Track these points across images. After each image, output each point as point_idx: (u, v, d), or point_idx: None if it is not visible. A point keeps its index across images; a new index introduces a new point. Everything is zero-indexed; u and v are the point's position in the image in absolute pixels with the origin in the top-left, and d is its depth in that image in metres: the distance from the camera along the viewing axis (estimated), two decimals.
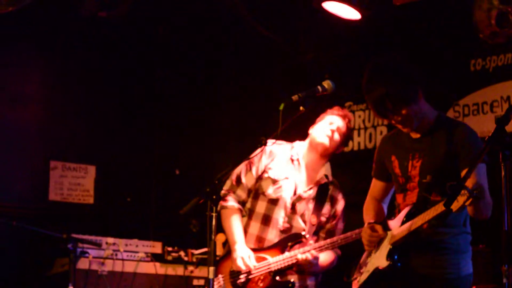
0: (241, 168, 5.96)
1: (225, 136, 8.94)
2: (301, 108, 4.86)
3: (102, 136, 8.90)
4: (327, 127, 5.93)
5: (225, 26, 8.88)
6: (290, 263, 5.81)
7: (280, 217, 5.90)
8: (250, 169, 5.96)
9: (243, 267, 5.79)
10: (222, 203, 5.92)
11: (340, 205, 6.03)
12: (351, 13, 6.96)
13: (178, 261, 7.96)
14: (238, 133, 8.68)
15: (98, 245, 7.48)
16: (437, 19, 7.49)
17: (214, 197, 4.58)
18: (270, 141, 4.91)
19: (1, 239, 7.89)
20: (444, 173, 4.61)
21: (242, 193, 5.99)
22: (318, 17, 7.58)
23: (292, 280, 5.84)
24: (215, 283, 5.81)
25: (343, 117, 6.01)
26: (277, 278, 5.82)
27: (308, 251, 5.78)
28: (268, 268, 5.82)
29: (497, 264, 6.06)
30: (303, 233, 5.86)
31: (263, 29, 8.53)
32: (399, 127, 4.79)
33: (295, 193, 5.93)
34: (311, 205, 5.94)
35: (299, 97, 4.80)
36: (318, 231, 5.97)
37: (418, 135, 4.79)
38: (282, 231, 5.90)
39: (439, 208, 4.36)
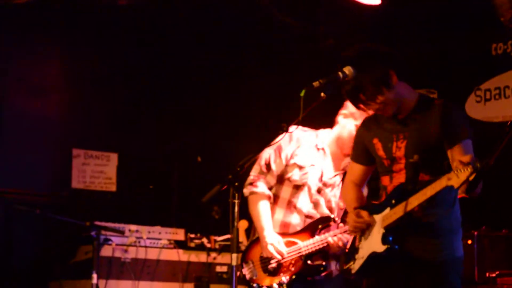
0: (270, 153, 5.93)
1: (247, 122, 8.95)
2: (322, 94, 4.83)
3: (124, 124, 8.93)
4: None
5: (245, 13, 8.87)
6: (321, 246, 5.80)
7: (305, 202, 5.90)
8: (280, 156, 5.94)
9: (274, 253, 5.80)
10: (251, 188, 5.89)
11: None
12: None
13: (200, 247, 7.99)
14: (259, 120, 8.67)
15: (121, 233, 7.52)
16: (458, 3, 7.46)
17: (236, 184, 4.57)
18: (291, 128, 4.89)
19: (25, 227, 7.95)
20: (431, 151, 4.55)
21: (271, 179, 5.97)
22: (338, 2, 7.57)
23: (324, 263, 5.85)
24: (245, 268, 5.84)
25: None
26: (309, 262, 5.82)
27: (339, 234, 5.78)
28: (299, 252, 5.82)
29: None
30: (332, 215, 5.86)
31: (284, 16, 8.52)
32: (380, 114, 4.79)
33: (321, 180, 5.93)
34: (337, 191, 5.94)
35: (320, 83, 4.77)
36: (345, 216, 5.98)
37: (400, 117, 4.77)
38: (307, 217, 5.90)
39: (438, 186, 4.34)
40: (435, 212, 4.61)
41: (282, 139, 5.47)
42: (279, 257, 5.78)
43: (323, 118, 6.14)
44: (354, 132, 5.63)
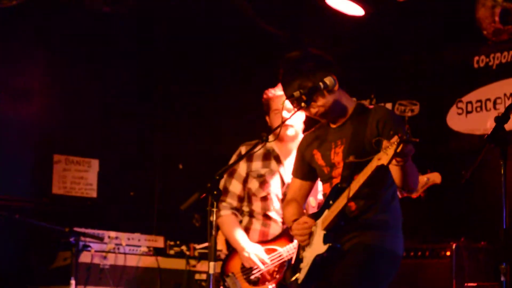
0: (225, 178, 6.00)
1: (228, 131, 8.94)
2: (302, 104, 4.87)
3: (106, 130, 8.91)
4: (279, 116, 5.85)
5: (227, 21, 8.87)
6: None
7: (276, 210, 5.93)
8: (233, 176, 6.00)
9: (258, 262, 5.79)
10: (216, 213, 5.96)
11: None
12: (354, 9, 6.96)
13: (180, 255, 7.98)
14: (241, 128, 8.67)
15: (100, 239, 7.49)
16: (441, 15, 7.49)
17: (215, 192, 4.58)
18: (271, 137, 4.91)
19: (4, 232, 7.90)
20: (367, 153, 4.58)
21: (232, 201, 6.04)
22: (322, 13, 7.57)
23: None
24: (227, 282, 5.87)
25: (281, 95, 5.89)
26: None
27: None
28: (281, 258, 5.82)
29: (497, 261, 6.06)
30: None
31: (267, 25, 8.52)
32: (319, 119, 4.83)
33: (283, 184, 5.96)
34: None
35: (300, 93, 4.80)
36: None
37: (337, 124, 4.81)
38: (284, 223, 5.92)
39: (370, 169, 4.36)
40: (372, 209, 4.64)
41: (234, 162, 5.60)
42: (262, 266, 5.78)
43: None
44: (277, 121, 5.69)
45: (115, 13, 8.15)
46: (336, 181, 4.72)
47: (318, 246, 4.70)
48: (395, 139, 4.08)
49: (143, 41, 9.10)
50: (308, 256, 4.78)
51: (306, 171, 5.01)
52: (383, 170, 4.33)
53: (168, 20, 9.04)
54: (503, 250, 3.17)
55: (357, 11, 6.96)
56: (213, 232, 4.53)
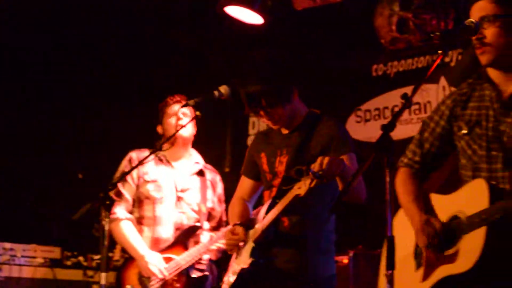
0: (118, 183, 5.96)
1: (127, 140, 8.80)
2: (197, 113, 4.86)
3: (2, 137, 8.71)
4: (174, 119, 5.88)
5: (131, 26, 8.75)
6: (199, 256, 5.81)
7: (169, 214, 5.90)
8: (126, 180, 5.94)
9: (157, 272, 5.73)
10: (111, 216, 5.88)
11: (220, 187, 6.09)
12: (253, 18, 6.95)
13: (77, 266, 7.85)
14: (138, 138, 8.57)
15: None
16: (339, 24, 7.55)
17: (107, 202, 4.54)
18: (165, 146, 4.89)
19: None
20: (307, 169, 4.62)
21: (127, 205, 5.98)
22: (223, 20, 7.55)
23: (207, 273, 5.85)
24: None
25: (179, 101, 5.94)
26: (193, 275, 5.79)
27: (216, 241, 5.79)
28: (179, 267, 5.78)
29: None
30: (198, 224, 5.87)
31: (171, 30, 8.46)
32: (269, 124, 4.83)
33: (176, 188, 5.94)
34: (197, 193, 5.96)
35: (195, 102, 4.80)
36: (210, 218, 6.02)
37: (287, 131, 4.82)
38: (176, 228, 5.89)
39: (290, 196, 4.40)
40: (304, 225, 4.65)
41: (125, 165, 5.57)
42: (161, 276, 5.73)
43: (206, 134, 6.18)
44: (171, 123, 5.68)
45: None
46: (275, 190, 4.73)
47: (245, 258, 4.72)
48: (310, 174, 4.13)
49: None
50: (236, 267, 4.80)
51: (256, 171, 4.99)
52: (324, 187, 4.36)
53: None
54: (388, 257, 3.17)
55: (256, 19, 6.95)
56: (105, 242, 4.49)
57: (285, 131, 4.83)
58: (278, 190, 4.69)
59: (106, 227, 4.51)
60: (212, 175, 6.16)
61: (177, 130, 5.09)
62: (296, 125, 4.79)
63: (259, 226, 4.67)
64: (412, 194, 3.93)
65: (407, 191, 3.96)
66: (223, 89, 4.88)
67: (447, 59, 7.02)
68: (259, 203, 5.04)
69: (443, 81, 7.01)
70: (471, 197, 3.61)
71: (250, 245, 4.72)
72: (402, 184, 4.01)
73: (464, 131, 3.83)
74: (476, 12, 3.68)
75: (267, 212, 4.65)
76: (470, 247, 3.50)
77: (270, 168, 4.83)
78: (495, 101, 3.73)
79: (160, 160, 6.00)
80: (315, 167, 4.19)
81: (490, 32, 3.63)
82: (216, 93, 4.87)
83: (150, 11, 8.43)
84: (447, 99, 3.99)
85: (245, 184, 5.10)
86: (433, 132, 3.99)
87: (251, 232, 4.76)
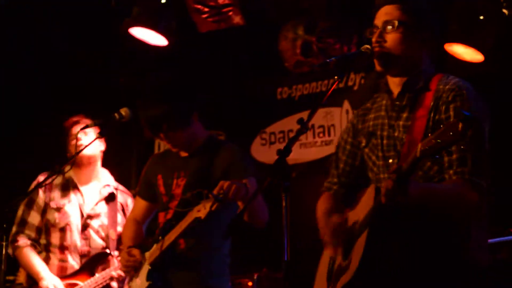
0: (23, 209, 5.87)
1: (27, 162, 8.66)
2: (98, 134, 4.83)
3: None
4: (73, 140, 5.77)
5: (36, 47, 8.59)
6: (104, 283, 5.76)
7: (76, 242, 5.83)
8: (32, 208, 5.87)
9: None
10: (13, 245, 5.86)
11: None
12: (158, 40, 6.94)
13: None
14: (39, 159, 8.43)
15: None
16: (244, 47, 7.58)
17: (4, 225, 4.49)
18: (67, 168, 4.84)
19: None
20: (204, 193, 4.64)
21: (31, 232, 5.92)
22: (128, 42, 7.49)
23: None
24: None
25: (78, 122, 5.88)
26: None
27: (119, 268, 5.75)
28: None
29: None
30: (107, 251, 5.81)
31: (76, 52, 8.36)
32: (169, 146, 4.84)
33: (82, 215, 5.88)
34: (104, 219, 5.90)
35: (95, 124, 4.77)
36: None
37: (186, 154, 4.83)
38: (82, 256, 5.83)
39: (189, 218, 4.41)
40: (199, 249, 4.65)
41: (32, 191, 5.49)
42: None
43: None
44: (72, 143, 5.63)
45: None
46: (171, 212, 4.71)
47: (142, 281, 4.69)
48: (210, 198, 4.15)
49: None
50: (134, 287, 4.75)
51: (152, 193, 4.96)
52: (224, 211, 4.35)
53: None
54: (285, 281, 3.19)
55: (160, 41, 6.93)
56: (2, 267, 4.43)
57: (183, 154, 4.83)
58: (174, 212, 4.68)
59: (4, 251, 4.44)
60: (123, 197, 6.09)
61: (77, 153, 5.03)
62: (195, 148, 4.80)
63: (156, 248, 4.65)
64: (325, 210, 3.94)
65: (321, 210, 3.97)
66: (124, 111, 4.86)
67: (350, 83, 7.13)
68: (153, 225, 5.03)
69: (346, 104, 7.11)
70: (364, 204, 3.63)
71: (146, 267, 4.70)
72: (318, 207, 4.02)
73: (363, 144, 3.89)
74: (382, 16, 3.73)
75: (163, 234, 4.64)
76: (357, 252, 3.53)
77: (166, 190, 4.82)
78: (390, 109, 3.79)
79: (68, 186, 5.92)
80: (216, 190, 4.21)
81: (391, 37, 3.69)
82: (116, 115, 4.85)
83: (56, 31, 8.31)
84: (353, 116, 4.05)
85: (139, 205, 5.09)
86: (344, 151, 4.02)
87: (147, 254, 4.74)
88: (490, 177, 3.55)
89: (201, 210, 4.30)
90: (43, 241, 5.91)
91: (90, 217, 5.90)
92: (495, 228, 5.75)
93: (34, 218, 5.89)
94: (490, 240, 5.56)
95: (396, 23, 3.68)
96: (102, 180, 6.01)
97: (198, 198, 4.35)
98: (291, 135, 7.39)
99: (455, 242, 3.53)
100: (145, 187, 5.06)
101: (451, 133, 2.96)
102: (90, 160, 5.91)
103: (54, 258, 5.86)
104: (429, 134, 3.16)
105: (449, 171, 3.51)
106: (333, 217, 3.78)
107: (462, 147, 3.03)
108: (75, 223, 5.86)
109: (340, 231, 3.69)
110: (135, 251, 4.81)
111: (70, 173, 5.90)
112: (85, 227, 5.87)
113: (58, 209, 5.87)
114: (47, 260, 5.87)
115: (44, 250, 5.89)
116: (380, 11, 3.76)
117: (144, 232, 5.14)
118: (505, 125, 5.49)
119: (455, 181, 3.48)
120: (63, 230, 5.84)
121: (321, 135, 7.21)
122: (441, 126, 3.03)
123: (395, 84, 3.79)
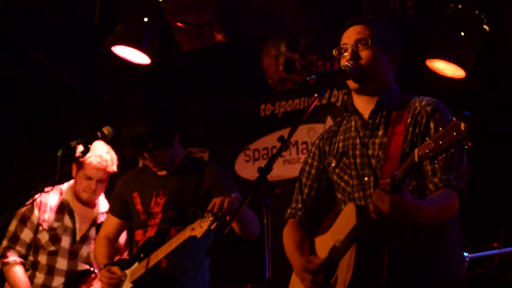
0: (16, 225, 5.84)
1: (9, 180, 8.62)
2: (79, 154, 4.82)
3: None
4: (85, 183, 5.80)
5: (14, 65, 8.56)
6: None
7: (63, 265, 5.83)
8: (25, 224, 5.85)
9: None
10: (2, 260, 5.83)
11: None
12: (140, 58, 6.94)
13: None
14: (22, 179, 8.40)
15: None
16: (227, 64, 7.58)
17: None
18: (48, 188, 4.82)
19: None
20: (189, 208, 4.65)
21: (21, 249, 5.91)
22: (111, 61, 7.48)
23: None
24: None
25: (99, 168, 5.84)
26: None
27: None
28: None
29: None
30: (91, 268, 5.81)
31: (58, 71, 8.34)
32: (150, 165, 4.84)
33: (74, 241, 5.85)
34: (93, 244, 5.89)
35: (77, 142, 4.75)
36: None
37: (164, 173, 4.84)
38: (67, 277, 5.82)
39: (182, 237, 4.39)
40: (182, 267, 4.65)
41: (26, 208, 5.46)
42: None
43: None
44: (82, 185, 5.62)
45: None
46: (151, 229, 4.70)
47: None
48: (210, 216, 4.13)
49: None
50: None
51: (124, 210, 4.96)
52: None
53: None
54: None
55: (144, 59, 6.93)
56: None
57: (162, 173, 4.84)
58: (157, 230, 4.67)
59: None
60: None
61: (61, 174, 4.98)
62: (174, 167, 4.81)
63: (140, 266, 4.64)
64: (294, 243, 3.93)
65: (290, 241, 3.97)
66: (106, 130, 4.85)
67: (333, 99, 7.15)
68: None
69: (329, 120, 7.12)
70: (344, 223, 3.65)
71: (127, 285, 4.68)
72: (286, 236, 4.01)
73: (333, 165, 3.90)
74: (354, 35, 3.79)
75: (146, 252, 4.63)
76: (344, 269, 3.54)
77: (144, 208, 4.83)
78: (361, 129, 3.81)
79: (64, 210, 5.89)
80: (214, 208, 4.18)
81: (365, 54, 3.75)
82: (99, 134, 4.83)
83: (38, 49, 8.29)
84: (316, 140, 4.07)
85: (111, 223, 5.09)
86: (309, 176, 4.04)
87: (127, 271, 4.73)
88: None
89: (196, 229, 4.28)
90: (31, 258, 5.90)
91: (81, 241, 5.88)
92: (481, 243, 5.78)
93: (27, 235, 5.88)
94: (474, 255, 5.61)
95: (370, 41, 3.75)
96: (98, 207, 5.97)
97: (194, 217, 4.34)
98: (275, 151, 7.39)
99: (442, 242, 3.61)
100: (118, 204, 5.07)
101: (455, 133, 2.98)
102: (90, 200, 5.90)
103: (39, 277, 5.85)
104: (407, 149, 3.19)
105: (433, 179, 3.55)
106: (311, 259, 3.71)
107: (449, 154, 3.04)
108: (66, 247, 5.85)
109: (321, 270, 3.65)
110: (115, 269, 4.81)
111: (69, 198, 5.88)
112: (75, 253, 5.86)
113: (51, 232, 5.84)
114: (32, 278, 5.87)
115: (31, 268, 5.89)
116: (349, 31, 3.83)
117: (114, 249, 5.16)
118: (486, 140, 5.50)
119: (442, 192, 3.53)
120: (52, 253, 5.83)
121: (304, 151, 7.23)
122: (440, 129, 3.06)
123: (365, 103, 3.83)
